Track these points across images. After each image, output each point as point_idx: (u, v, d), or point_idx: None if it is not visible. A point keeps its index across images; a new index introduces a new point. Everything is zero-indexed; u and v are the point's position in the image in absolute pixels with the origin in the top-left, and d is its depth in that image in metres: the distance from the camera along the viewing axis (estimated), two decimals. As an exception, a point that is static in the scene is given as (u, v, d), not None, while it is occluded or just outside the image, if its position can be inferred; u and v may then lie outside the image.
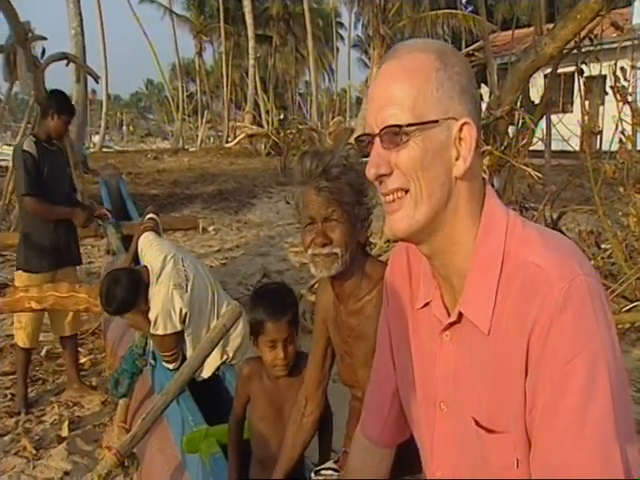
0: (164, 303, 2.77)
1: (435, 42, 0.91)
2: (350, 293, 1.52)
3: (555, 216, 4.97)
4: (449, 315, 0.94)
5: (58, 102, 3.73)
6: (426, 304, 1.00)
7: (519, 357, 0.82)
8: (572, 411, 0.77)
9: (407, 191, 0.88)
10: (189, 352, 2.84)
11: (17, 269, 3.74)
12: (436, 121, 0.85)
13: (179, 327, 2.81)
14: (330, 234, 1.44)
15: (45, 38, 6.86)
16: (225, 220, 9.59)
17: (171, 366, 2.86)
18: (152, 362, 3.05)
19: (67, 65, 7.05)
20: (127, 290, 2.79)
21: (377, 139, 0.88)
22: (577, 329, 0.78)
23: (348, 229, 1.44)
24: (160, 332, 2.78)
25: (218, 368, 2.91)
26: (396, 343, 1.12)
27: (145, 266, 2.93)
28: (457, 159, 0.87)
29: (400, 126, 0.85)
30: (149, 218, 3.46)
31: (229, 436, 2.10)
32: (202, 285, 2.92)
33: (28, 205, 3.61)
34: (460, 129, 0.86)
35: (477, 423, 0.90)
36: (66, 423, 3.33)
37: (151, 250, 2.98)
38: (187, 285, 2.83)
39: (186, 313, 2.81)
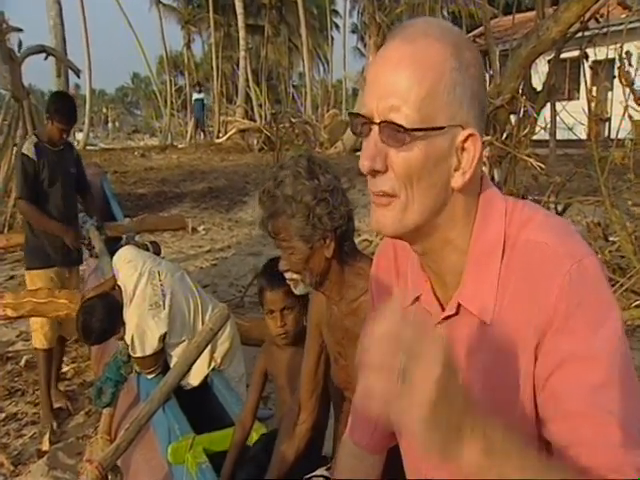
0: (138, 325, 2.80)
1: (451, 30, 0.85)
2: (342, 296, 1.56)
3: (560, 208, 4.96)
4: (442, 308, 0.92)
5: (55, 106, 3.69)
6: (416, 299, 0.98)
7: (527, 339, 0.82)
8: (593, 390, 0.76)
9: (396, 196, 0.85)
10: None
11: (27, 270, 3.79)
12: (442, 128, 0.81)
13: (157, 347, 2.84)
14: (287, 262, 1.52)
15: (21, 30, 6.83)
16: (216, 219, 9.59)
17: (152, 376, 2.89)
18: (137, 369, 3.04)
19: (46, 59, 7.03)
20: (103, 320, 2.81)
21: (376, 129, 0.83)
22: (593, 304, 0.78)
23: (300, 258, 1.49)
24: (138, 354, 2.82)
25: (206, 375, 2.91)
26: None
27: (118, 286, 2.94)
28: (457, 169, 0.84)
29: (404, 128, 0.80)
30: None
31: (232, 436, 2.14)
32: (182, 296, 2.92)
33: (20, 208, 3.77)
34: (465, 139, 0.83)
35: None
36: (47, 436, 3.30)
37: (125, 268, 2.97)
38: (164, 302, 2.85)
39: (164, 333, 2.83)
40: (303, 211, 1.44)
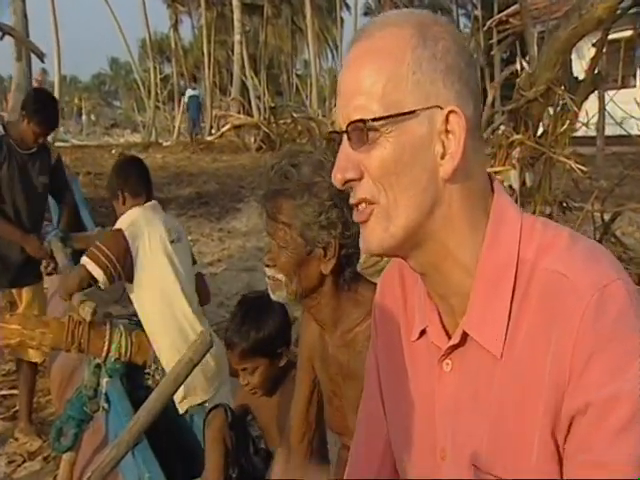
0: (139, 217, 3.03)
1: (412, 14, 0.90)
2: (334, 324, 1.56)
3: (607, 217, 4.91)
4: (450, 338, 0.93)
5: (35, 106, 3.66)
6: (423, 332, 0.98)
7: (539, 383, 0.82)
8: (613, 436, 0.76)
9: (376, 203, 0.87)
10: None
11: None
12: (413, 112, 0.84)
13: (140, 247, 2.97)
14: (276, 257, 1.49)
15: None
16: (205, 229, 9.65)
17: (100, 278, 2.93)
18: (105, 406, 3.01)
19: (1, 39, 7.07)
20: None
21: (344, 137, 0.87)
22: (618, 340, 0.78)
23: (293, 257, 1.47)
24: (119, 226, 2.99)
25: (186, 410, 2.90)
26: (386, 383, 1.10)
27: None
28: (443, 157, 0.85)
29: (365, 121, 0.84)
30: None
31: None
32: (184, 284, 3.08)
33: None
34: (446, 119, 0.84)
35: (479, 469, 0.88)
36: (-4, 490, 3.28)
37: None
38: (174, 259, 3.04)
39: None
40: (315, 206, 1.43)
